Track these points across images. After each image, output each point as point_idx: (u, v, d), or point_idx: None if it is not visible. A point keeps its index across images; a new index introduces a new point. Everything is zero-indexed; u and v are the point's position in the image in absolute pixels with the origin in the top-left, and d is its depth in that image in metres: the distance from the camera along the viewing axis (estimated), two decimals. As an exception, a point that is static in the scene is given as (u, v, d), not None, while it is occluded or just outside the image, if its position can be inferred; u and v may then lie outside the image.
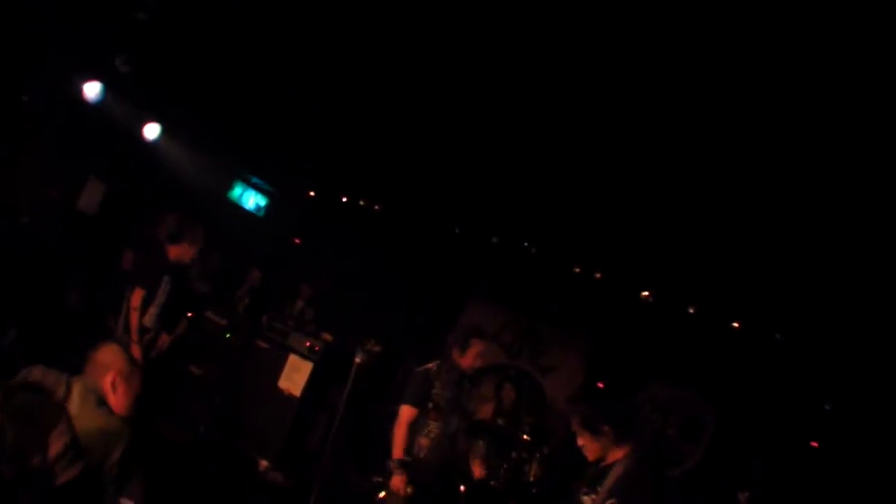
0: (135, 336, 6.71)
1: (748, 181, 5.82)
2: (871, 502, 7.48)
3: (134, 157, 9.02)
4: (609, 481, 4.38)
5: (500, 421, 9.03)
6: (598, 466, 4.56)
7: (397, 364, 10.02)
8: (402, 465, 5.93)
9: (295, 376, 8.99)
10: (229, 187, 11.14)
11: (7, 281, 7.46)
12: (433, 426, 6.11)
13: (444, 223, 9.85)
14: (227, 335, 9.28)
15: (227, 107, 8.66)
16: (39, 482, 2.98)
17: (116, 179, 9.23)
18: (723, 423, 9.33)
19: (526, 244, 9.26)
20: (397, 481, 5.89)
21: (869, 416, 7.84)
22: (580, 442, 4.57)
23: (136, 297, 6.76)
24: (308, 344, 9.04)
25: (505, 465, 8.50)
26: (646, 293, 8.95)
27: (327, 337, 9.18)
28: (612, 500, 4.27)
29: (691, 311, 8.89)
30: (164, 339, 7.29)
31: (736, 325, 8.80)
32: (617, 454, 4.48)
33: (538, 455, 8.65)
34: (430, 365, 6.25)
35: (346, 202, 10.69)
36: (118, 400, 3.59)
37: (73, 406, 3.41)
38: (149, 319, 6.95)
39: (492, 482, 8.32)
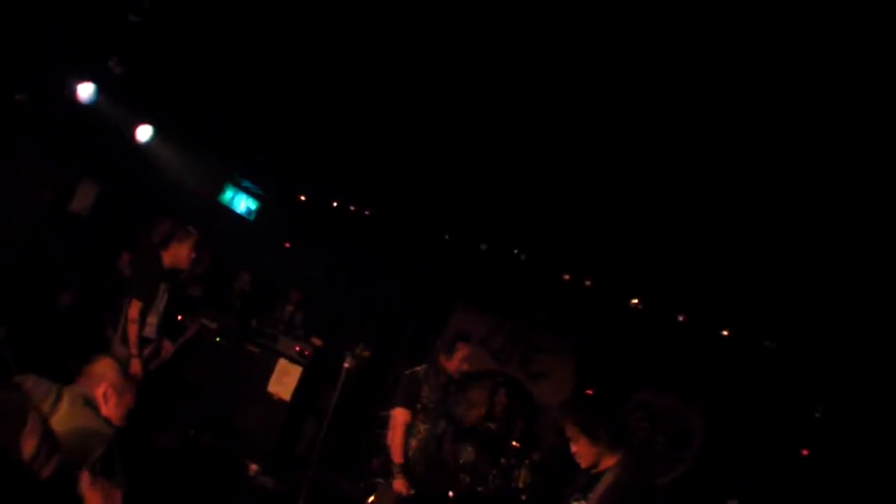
0: (134, 350, 6.57)
1: (738, 190, 5.85)
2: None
3: (126, 159, 8.99)
4: (600, 489, 4.36)
5: (490, 426, 9.03)
6: (589, 473, 4.58)
7: (387, 369, 10.03)
8: (403, 468, 6.01)
9: (285, 380, 8.99)
10: (221, 191, 11.11)
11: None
12: (421, 428, 6.21)
13: (434, 229, 9.85)
14: (218, 339, 9.26)
15: (219, 110, 8.64)
16: (17, 480, 2.97)
17: (109, 181, 9.20)
18: (712, 431, 9.34)
19: (515, 251, 9.27)
20: (400, 484, 5.97)
21: (859, 423, 7.86)
22: (574, 448, 4.56)
23: (134, 308, 6.61)
24: (297, 348, 9.04)
25: (494, 472, 8.50)
26: (635, 300, 8.97)
27: (317, 341, 9.18)
28: (601, 510, 4.29)
29: (681, 318, 8.91)
30: (168, 349, 7.21)
31: (725, 332, 8.82)
32: (609, 461, 4.47)
33: (527, 462, 8.65)
34: (417, 368, 6.36)
35: (336, 207, 10.68)
36: (110, 411, 3.59)
37: (62, 409, 3.42)
38: (150, 330, 6.84)
39: (480, 488, 8.32)
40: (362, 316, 10.78)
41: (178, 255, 6.94)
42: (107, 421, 3.56)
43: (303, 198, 11.11)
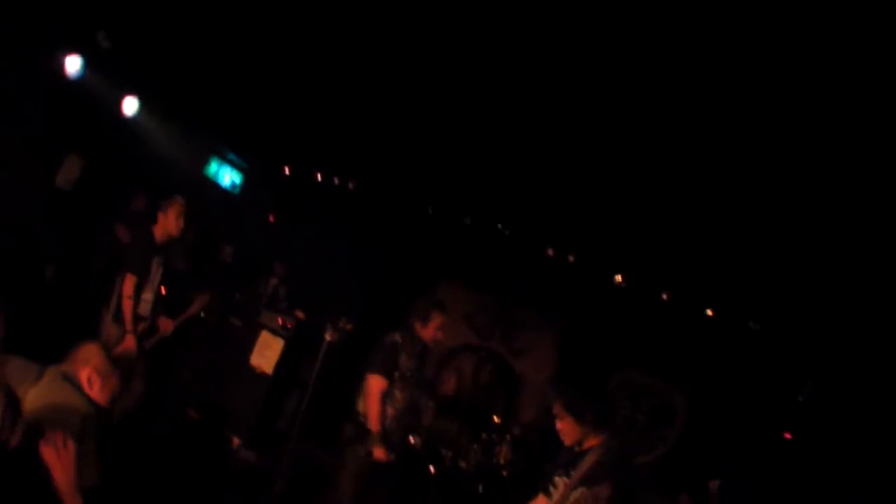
0: (129, 326, 6.53)
1: (725, 166, 5.81)
2: (842, 494, 7.52)
3: (112, 133, 8.93)
4: (583, 467, 4.38)
5: (472, 400, 9.06)
6: (572, 451, 4.57)
7: (370, 343, 9.98)
8: (381, 437, 6.05)
9: (267, 353, 8.97)
10: (206, 164, 11.05)
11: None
12: (398, 396, 6.23)
13: (418, 203, 9.81)
14: (201, 313, 9.21)
15: (205, 83, 8.58)
16: None
17: (94, 155, 9.13)
18: (695, 412, 9.36)
19: (499, 226, 9.23)
20: (380, 452, 6.01)
21: (842, 407, 7.87)
22: (559, 426, 4.57)
23: (129, 283, 6.58)
24: (280, 321, 9.02)
25: (475, 447, 8.51)
26: (619, 277, 8.95)
27: (300, 314, 9.15)
28: (582, 490, 4.29)
29: (664, 297, 8.89)
30: (167, 324, 7.16)
31: (709, 312, 8.81)
32: (593, 441, 4.49)
33: (509, 437, 8.66)
34: (395, 335, 6.36)
35: (320, 180, 10.62)
36: (95, 395, 3.61)
37: (40, 384, 3.42)
38: (144, 307, 6.81)
39: (462, 464, 8.33)
40: (346, 290, 10.75)
41: (166, 225, 6.89)
42: (89, 399, 3.54)
43: (287, 171, 11.03)
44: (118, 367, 3.96)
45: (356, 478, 6.16)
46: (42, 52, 7.61)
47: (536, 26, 4.97)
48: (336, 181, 10.35)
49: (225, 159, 11.27)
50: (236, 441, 8.58)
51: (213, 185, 11.12)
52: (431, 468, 7.98)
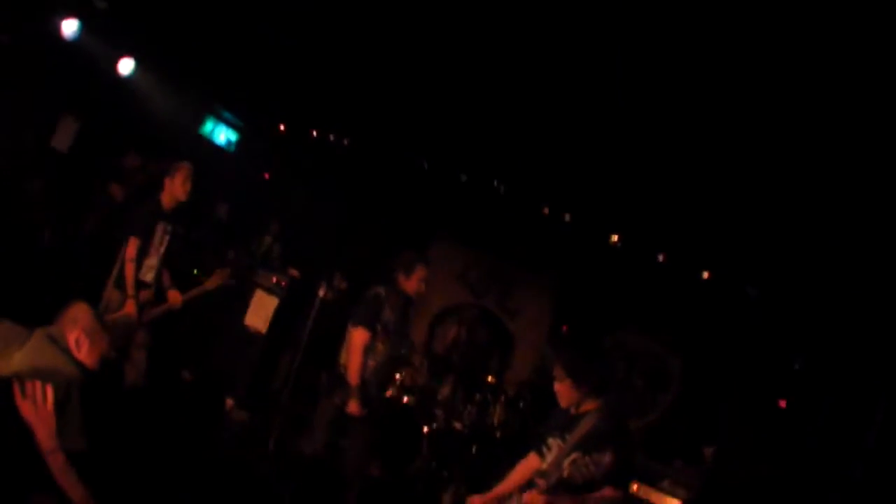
0: (130, 290, 6.45)
1: (723, 125, 5.74)
2: (836, 463, 7.51)
3: (108, 94, 8.86)
4: (579, 432, 4.35)
5: (465, 358, 9.06)
6: (568, 413, 4.54)
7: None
8: (359, 390, 6.06)
9: (261, 312, 8.92)
10: (201, 123, 10.99)
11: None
12: (380, 348, 6.25)
13: (413, 159, 9.73)
14: (195, 272, 9.16)
15: (200, 41, 8.48)
16: None
17: (89, 116, 9.06)
18: (690, 377, 9.35)
19: (495, 183, 9.16)
20: (354, 406, 6.03)
21: (838, 377, 7.83)
22: (557, 387, 4.53)
23: (131, 246, 6.51)
24: (274, 279, 8.96)
25: (469, 407, 8.50)
26: (615, 237, 8.89)
27: (294, 273, 9.09)
28: (577, 454, 4.26)
29: (661, 258, 8.84)
30: (175, 296, 6.99)
31: (706, 275, 8.76)
32: (590, 406, 4.45)
33: (503, 398, 8.65)
34: (379, 288, 6.36)
35: (315, 137, 10.53)
36: (83, 357, 3.53)
37: (26, 347, 3.38)
38: (147, 274, 6.73)
39: (455, 424, 8.32)
40: (341, 248, 10.71)
41: (173, 190, 6.81)
42: (75, 361, 3.48)
43: (282, 128, 10.95)
44: (117, 332, 3.91)
45: (330, 426, 6.24)
46: (39, 14, 7.54)
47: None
48: (331, 138, 10.27)
49: (220, 118, 11.19)
50: (230, 402, 8.56)
51: (209, 144, 11.05)
52: (425, 428, 7.98)
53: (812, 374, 8.09)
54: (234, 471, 6.91)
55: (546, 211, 9.14)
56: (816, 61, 4.49)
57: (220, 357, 8.86)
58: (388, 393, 7.92)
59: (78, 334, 3.52)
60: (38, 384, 3.15)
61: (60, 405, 3.27)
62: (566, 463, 4.29)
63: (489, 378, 8.84)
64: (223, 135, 11.38)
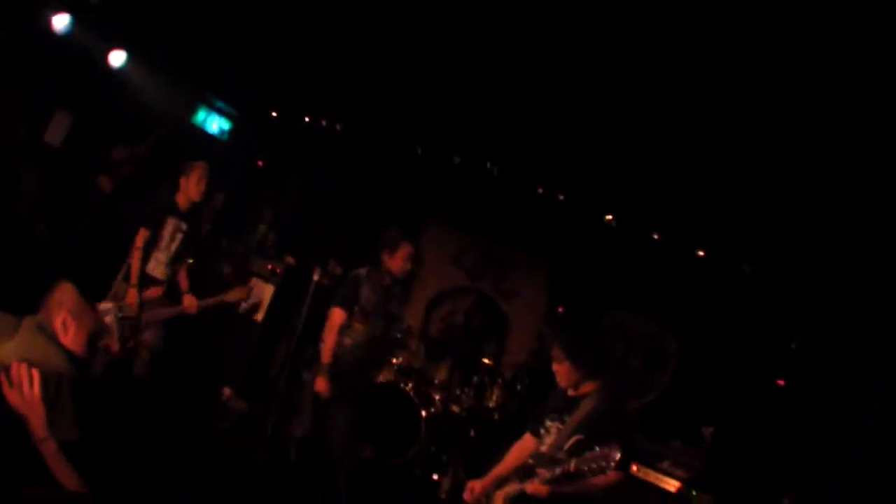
0: (133, 279, 6.45)
1: (718, 101, 5.70)
2: (834, 442, 7.50)
3: (100, 87, 8.84)
4: (579, 414, 4.35)
5: (453, 338, 9.08)
6: (566, 394, 4.53)
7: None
8: (329, 368, 6.14)
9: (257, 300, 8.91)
10: (194, 112, 10.96)
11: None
12: (359, 328, 6.33)
13: (406, 143, 9.69)
14: (190, 260, 9.13)
15: (191, 28, 8.44)
16: None
17: (83, 110, 9.04)
18: (687, 357, 9.33)
19: (488, 165, 9.11)
20: (322, 384, 6.12)
21: (836, 355, 7.81)
22: (556, 368, 4.52)
23: (140, 237, 6.54)
24: (270, 267, 8.96)
25: (466, 391, 8.51)
26: (610, 217, 8.86)
27: (290, 260, 9.09)
28: (579, 437, 4.25)
29: (656, 237, 8.81)
30: (191, 302, 6.94)
31: (701, 253, 8.74)
32: (588, 388, 4.45)
33: (500, 380, 8.66)
34: (360, 270, 6.43)
35: (308, 123, 10.49)
36: (70, 340, 3.46)
37: (15, 337, 3.33)
38: (156, 269, 6.71)
39: (453, 408, 8.33)
40: (335, 234, 10.70)
41: (188, 190, 6.83)
42: (65, 351, 3.44)
43: (274, 114, 10.91)
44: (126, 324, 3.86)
45: (312, 405, 6.31)
46: (30, 10, 7.58)
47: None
48: (324, 123, 10.23)
49: (213, 107, 11.17)
50: (227, 392, 8.55)
51: (202, 133, 11.02)
52: (423, 412, 7.97)
53: (810, 352, 8.07)
54: (233, 462, 6.93)
55: (540, 191, 9.10)
56: (810, 38, 4.46)
57: (216, 345, 8.81)
58: (382, 377, 7.94)
59: (64, 316, 3.46)
60: (24, 367, 3.12)
61: (51, 396, 3.24)
62: (568, 445, 4.28)
63: (486, 361, 8.84)
64: (216, 124, 11.36)
